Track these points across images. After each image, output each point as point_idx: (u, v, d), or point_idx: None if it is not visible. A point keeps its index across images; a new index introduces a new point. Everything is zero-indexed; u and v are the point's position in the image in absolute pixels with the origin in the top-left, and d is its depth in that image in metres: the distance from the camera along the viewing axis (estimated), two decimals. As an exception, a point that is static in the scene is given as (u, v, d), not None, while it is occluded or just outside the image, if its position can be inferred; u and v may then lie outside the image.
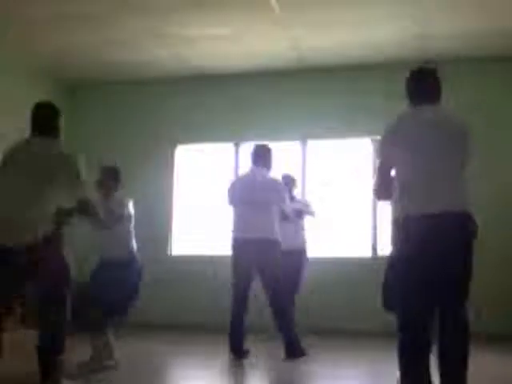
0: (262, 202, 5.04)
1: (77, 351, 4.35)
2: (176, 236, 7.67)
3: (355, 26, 6.09)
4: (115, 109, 7.90)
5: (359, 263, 6.78)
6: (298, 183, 7.29)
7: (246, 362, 4.79)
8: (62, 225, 3.68)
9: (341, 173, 7.35)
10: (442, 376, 2.82)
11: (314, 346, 5.27)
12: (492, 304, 6.04)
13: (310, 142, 7.39)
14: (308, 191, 7.28)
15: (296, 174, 7.29)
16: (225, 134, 7.52)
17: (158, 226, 7.51)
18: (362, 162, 7.23)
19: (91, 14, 5.84)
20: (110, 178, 4.93)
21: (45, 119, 3.87)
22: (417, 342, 2.83)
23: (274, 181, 5.23)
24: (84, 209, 3.78)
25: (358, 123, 7.04)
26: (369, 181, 7.05)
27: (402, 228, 2.95)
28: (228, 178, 7.50)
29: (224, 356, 4.91)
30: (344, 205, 7.24)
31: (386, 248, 5.85)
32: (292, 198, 5.90)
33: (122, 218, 4.61)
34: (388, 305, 3.24)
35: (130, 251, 4.60)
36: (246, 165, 7.47)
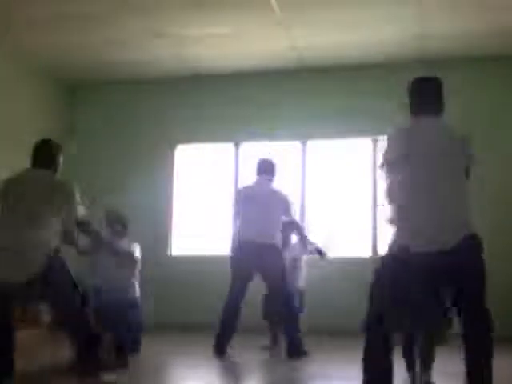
0: (267, 210, 5.11)
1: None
2: (176, 236, 7.67)
3: (355, 26, 6.09)
4: (115, 109, 7.90)
5: (359, 263, 6.78)
6: (298, 183, 7.31)
7: (246, 362, 4.79)
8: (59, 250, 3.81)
9: (341, 173, 7.35)
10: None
11: (313, 346, 5.27)
12: (497, 305, 6.03)
13: (310, 142, 7.39)
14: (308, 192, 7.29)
15: (296, 175, 7.32)
16: (225, 134, 7.52)
17: (158, 227, 7.51)
18: (362, 161, 7.23)
19: (91, 14, 5.84)
20: (118, 225, 4.92)
21: (47, 155, 4.07)
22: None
23: (279, 192, 5.30)
24: (85, 227, 3.97)
25: (358, 123, 7.04)
26: (368, 181, 7.07)
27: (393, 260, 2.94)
28: (228, 179, 7.55)
29: (224, 356, 4.92)
30: (344, 205, 7.24)
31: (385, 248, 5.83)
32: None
33: (132, 257, 4.65)
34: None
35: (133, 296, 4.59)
36: (245, 165, 7.51)
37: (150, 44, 6.61)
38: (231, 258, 5.20)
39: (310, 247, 5.47)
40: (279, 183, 5.47)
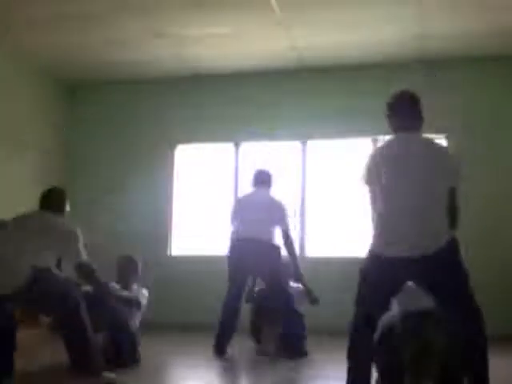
0: (264, 213, 5.15)
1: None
2: (176, 236, 7.67)
3: (355, 26, 6.09)
4: (115, 109, 7.90)
5: (359, 263, 6.77)
6: (298, 183, 7.31)
7: (245, 362, 4.79)
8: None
9: (341, 173, 7.34)
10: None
11: (313, 346, 5.27)
12: (492, 305, 6.03)
13: (310, 142, 7.38)
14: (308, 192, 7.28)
15: (296, 175, 7.32)
16: (225, 133, 7.52)
17: (158, 227, 7.51)
18: (362, 162, 7.21)
19: (91, 14, 5.84)
20: (129, 270, 4.93)
21: (57, 200, 4.20)
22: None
23: (278, 200, 5.34)
24: (85, 272, 3.99)
25: (358, 123, 7.04)
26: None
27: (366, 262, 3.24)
28: (228, 179, 7.56)
29: (224, 356, 4.92)
30: (344, 205, 7.23)
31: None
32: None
33: (139, 305, 4.66)
34: None
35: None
36: (245, 165, 7.52)
37: (149, 44, 6.61)
38: (228, 257, 5.20)
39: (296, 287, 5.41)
40: (278, 189, 5.56)
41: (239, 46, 6.66)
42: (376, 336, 3.12)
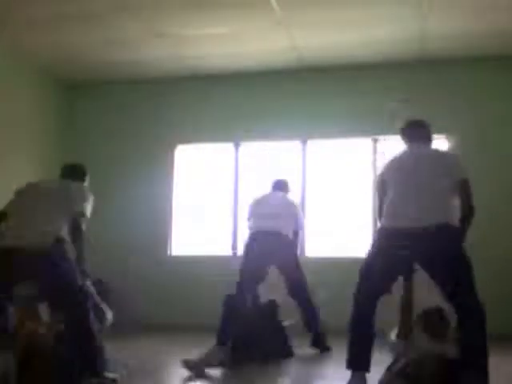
0: (278, 210, 5.38)
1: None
2: (176, 236, 7.67)
3: (355, 25, 6.09)
4: (115, 109, 7.90)
5: (359, 263, 6.76)
6: (298, 183, 7.30)
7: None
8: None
9: (341, 173, 7.35)
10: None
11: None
12: (493, 303, 6.03)
13: (310, 142, 7.38)
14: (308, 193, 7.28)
15: (296, 175, 7.31)
16: (225, 133, 7.52)
17: (158, 226, 7.51)
18: (362, 161, 7.23)
19: (91, 14, 5.84)
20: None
21: (78, 174, 4.28)
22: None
23: (292, 200, 5.65)
24: (76, 225, 3.89)
25: (358, 123, 7.04)
26: (369, 181, 7.06)
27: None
28: (228, 179, 7.55)
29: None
30: (344, 205, 7.24)
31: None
32: None
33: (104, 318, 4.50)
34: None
35: None
36: (245, 165, 7.52)
37: (149, 44, 6.61)
38: (245, 249, 5.28)
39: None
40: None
41: (239, 46, 6.66)
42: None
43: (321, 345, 5.33)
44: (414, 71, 6.97)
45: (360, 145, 7.26)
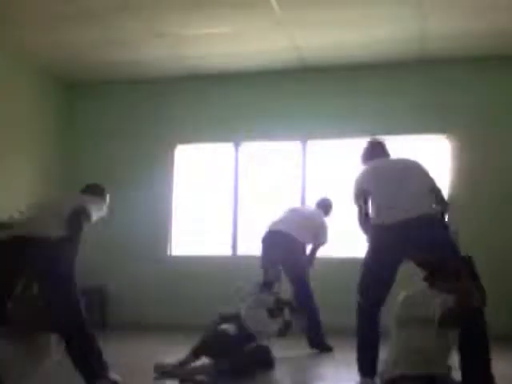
0: (301, 216, 5.73)
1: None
2: (176, 236, 7.67)
3: (355, 25, 6.08)
4: (115, 108, 7.89)
5: (359, 263, 6.76)
6: (298, 183, 7.30)
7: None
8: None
9: (341, 173, 7.34)
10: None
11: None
12: (493, 303, 6.03)
13: (310, 142, 7.38)
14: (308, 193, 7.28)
15: (296, 175, 7.32)
16: (225, 133, 7.51)
17: (158, 226, 7.51)
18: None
19: (91, 14, 5.83)
20: None
21: (97, 192, 4.34)
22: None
23: (321, 218, 5.84)
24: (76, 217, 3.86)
25: (358, 123, 7.03)
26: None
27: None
28: (228, 179, 7.55)
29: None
30: (344, 205, 7.22)
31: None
32: None
33: None
34: None
35: None
36: (245, 166, 7.52)
37: (149, 44, 6.61)
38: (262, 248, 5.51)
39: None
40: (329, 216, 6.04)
41: (239, 45, 6.65)
42: None
43: (321, 345, 5.36)
44: (413, 71, 6.96)
45: (360, 145, 7.23)
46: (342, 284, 6.47)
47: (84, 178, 7.58)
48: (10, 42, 6.55)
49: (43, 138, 7.48)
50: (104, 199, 4.31)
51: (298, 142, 7.40)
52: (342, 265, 6.67)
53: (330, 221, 5.99)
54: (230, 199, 7.52)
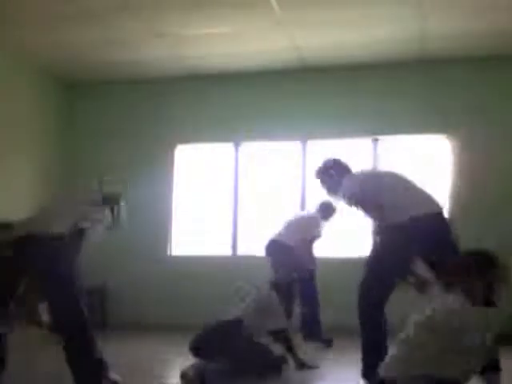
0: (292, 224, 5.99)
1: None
2: (176, 236, 7.67)
3: (355, 25, 6.08)
4: (115, 108, 7.89)
5: (359, 263, 6.76)
6: (298, 183, 7.30)
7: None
8: None
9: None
10: None
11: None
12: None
13: (310, 142, 7.38)
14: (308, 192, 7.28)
15: (296, 175, 7.32)
16: (225, 133, 7.51)
17: (158, 226, 7.51)
18: (362, 161, 7.22)
19: (91, 14, 5.83)
20: None
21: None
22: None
23: (308, 217, 6.18)
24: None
25: (358, 123, 7.04)
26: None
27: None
28: (228, 179, 7.55)
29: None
30: (344, 205, 7.22)
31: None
32: None
33: None
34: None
35: None
36: (245, 166, 7.52)
37: (149, 44, 6.60)
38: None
39: None
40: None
41: (239, 45, 6.65)
42: None
43: (320, 339, 5.60)
44: (414, 71, 6.96)
45: (360, 145, 7.25)
46: (342, 284, 6.48)
47: (84, 177, 7.63)
48: (10, 41, 6.55)
49: (43, 137, 7.48)
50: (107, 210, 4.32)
51: (298, 142, 7.40)
52: (342, 265, 6.66)
53: (332, 222, 6.16)
54: (229, 199, 7.52)
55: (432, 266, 3.51)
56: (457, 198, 6.66)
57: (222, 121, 7.45)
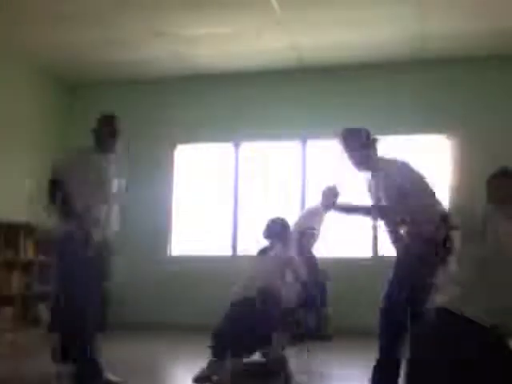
0: None
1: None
2: (176, 236, 7.67)
3: (355, 25, 6.09)
4: (115, 108, 7.84)
5: (359, 263, 6.77)
6: (298, 183, 7.30)
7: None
8: None
9: (341, 173, 7.33)
10: None
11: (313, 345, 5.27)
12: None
13: (310, 142, 7.38)
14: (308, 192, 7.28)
15: (296, 175, 7.32)
16: (225, 134, 7.52)
17: (158, 227, 7.50)
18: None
19: (91, 14, 5.84)
20: None
21: None
22: None
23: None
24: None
25: (358, 123, 7.00)
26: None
27: None
28: (228, 179, 7.55)
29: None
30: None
31: (385, 248, 5.84)
32: None
33: None
34: None
35: None
36: (245, 166, 7.52)
37: (149, 44, 6.61)
38: None
39: None
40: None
41: (239, 45, 6.66)
42: None
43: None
44: (413, 71, 6.96)
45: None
46: (342, 284, 6.49)
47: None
48: (10, 42, 6.55)
49: (43, 138, 7.47)
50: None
51: (298, 141, 7.40)
52: (342, 265, 6.65)
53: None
54: (229, 199, 7.52)
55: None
56: (457, 197, 6.65)
57: (222, 121, 7.45)
